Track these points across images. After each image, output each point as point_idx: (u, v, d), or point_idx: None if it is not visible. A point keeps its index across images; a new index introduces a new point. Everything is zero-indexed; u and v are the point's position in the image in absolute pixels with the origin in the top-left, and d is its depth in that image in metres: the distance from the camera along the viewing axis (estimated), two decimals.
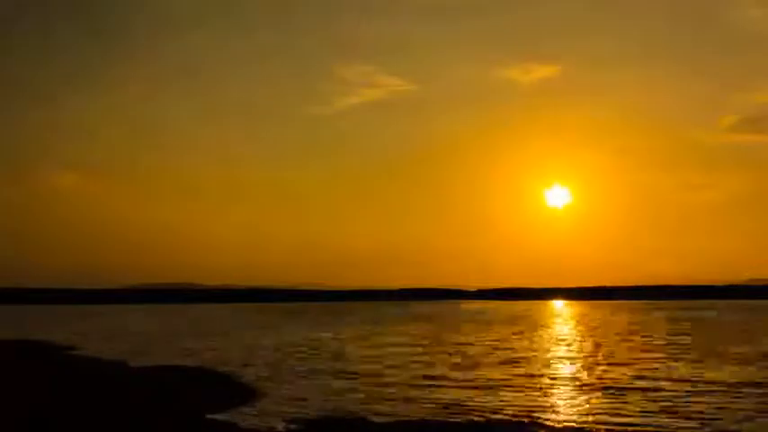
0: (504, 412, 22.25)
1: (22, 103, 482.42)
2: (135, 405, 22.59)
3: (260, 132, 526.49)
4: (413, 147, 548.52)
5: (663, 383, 28.55)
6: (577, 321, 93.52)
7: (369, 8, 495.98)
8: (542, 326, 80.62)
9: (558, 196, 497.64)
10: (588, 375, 31.41)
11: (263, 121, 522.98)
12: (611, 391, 26.46)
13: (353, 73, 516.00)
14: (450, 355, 42.71)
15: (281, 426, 20.07)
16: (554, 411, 22.52)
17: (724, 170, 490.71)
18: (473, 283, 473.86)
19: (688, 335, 59.26)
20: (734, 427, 19.97)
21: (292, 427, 19.96)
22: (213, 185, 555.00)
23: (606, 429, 19.81)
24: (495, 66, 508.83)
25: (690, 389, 26.98)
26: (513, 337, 60.30)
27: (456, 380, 30.25)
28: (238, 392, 26.57)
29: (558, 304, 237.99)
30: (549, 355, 41.38)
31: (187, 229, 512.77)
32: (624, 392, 26.19)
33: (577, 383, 28.93)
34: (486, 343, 52.75)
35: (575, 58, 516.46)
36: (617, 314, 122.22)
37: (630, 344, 49.97)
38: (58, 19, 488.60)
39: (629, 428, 19.89)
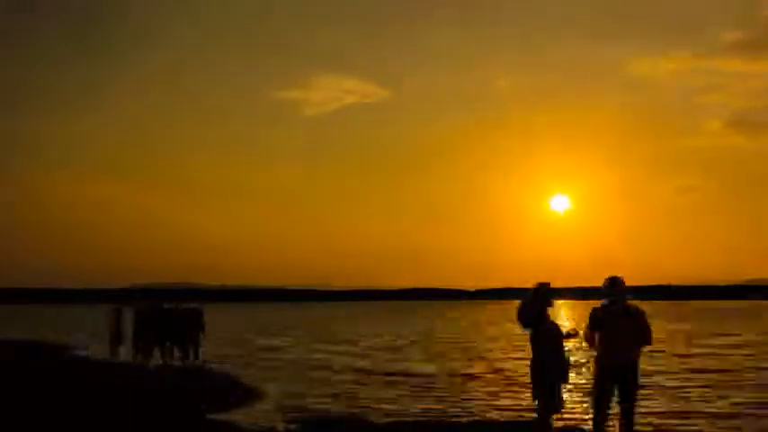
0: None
1: (22, 103, 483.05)
2: (135, 405, 22.58)
3: (260, 132, 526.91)
4: (413, 148, 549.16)
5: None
6: None
7: (365, 11, 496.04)
8: None
9: (558, 200, 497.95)
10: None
11: (263, 121, 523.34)
12: None
13: (351, 75, 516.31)
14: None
15: (281, 426, 20.02)
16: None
17: (723, 170, 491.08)
18: (473, 284, 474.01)
19: None
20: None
21: (292, 427, 19.91)
22: (213, 185, 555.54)
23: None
24: (492, 68, 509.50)
25: None
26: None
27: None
28: (238, 392, 26.53)
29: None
30: None
31: (187, 228, 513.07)
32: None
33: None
34: None
35: (572, 60, 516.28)
36: None
37: None
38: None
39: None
